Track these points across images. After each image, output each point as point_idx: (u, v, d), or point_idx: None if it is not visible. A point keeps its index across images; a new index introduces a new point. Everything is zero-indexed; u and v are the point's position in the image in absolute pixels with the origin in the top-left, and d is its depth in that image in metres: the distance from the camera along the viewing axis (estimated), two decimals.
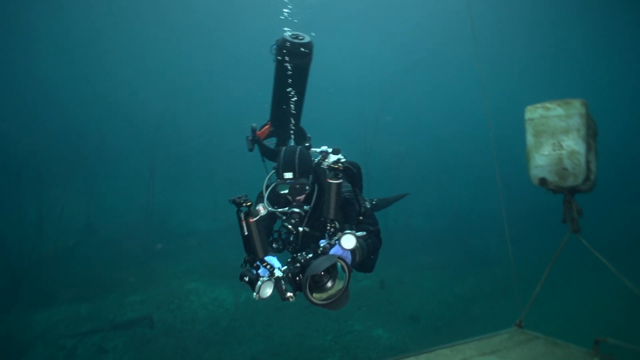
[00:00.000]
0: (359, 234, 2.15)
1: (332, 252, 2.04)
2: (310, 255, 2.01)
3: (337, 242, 2.05)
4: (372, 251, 2.29)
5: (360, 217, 2.31)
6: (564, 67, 25.58)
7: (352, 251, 2.07)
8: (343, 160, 2.69)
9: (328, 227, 2.19)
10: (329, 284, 1.96)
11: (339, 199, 2.20)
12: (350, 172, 2.65)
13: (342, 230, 2.12)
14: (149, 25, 24.68)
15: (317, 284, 1.95)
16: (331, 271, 1.97)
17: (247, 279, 1.93)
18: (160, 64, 24.87)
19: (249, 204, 1.85)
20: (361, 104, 16.74)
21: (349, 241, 2.01)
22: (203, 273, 9.54)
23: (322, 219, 2.26)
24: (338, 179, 2.17)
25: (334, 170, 2.20)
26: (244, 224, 1.88)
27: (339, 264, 1.94)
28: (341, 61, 26.49)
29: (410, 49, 27.61)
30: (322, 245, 2.07)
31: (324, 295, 1.96)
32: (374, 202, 3.15)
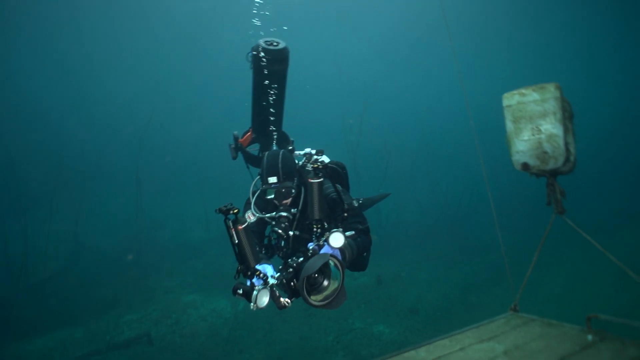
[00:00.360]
0: (347, 233, 2.15)
1: (322, 252, 2.04)
2: (302, 259, 2.00)
3: (325, 242, 2.04)
4: (362, 250, 2.29)
5: (345, 214, 2.30)
6: (545, 55, 26.11)
7: (342, 250, 2.07)
8: (326, 160, 2.69)
9: (315, 229, 2.18)
10: (325, 284, 1.96)
11: (322, 198, 2.18)
12: (333, 171, 2.65)
13: (329, 230, 2.12)
14: (130, 36, 24.30)
15: (313, 286, 1.95)
16: (325, 271, 1.96)
17: (241, 291, 1.90)
18: (140, 77, 24.52)
19: (235, 211, 1.83)
20: (345, 102, 16.80)
21: (337, 239, 2.00)
22: (199, 285, 9.43)
23: (308, 222, 2.25)
24: (319, 178, 2.16)
25: (313, 169, 2.19)
26: (233, 232, 1.86)
27: (331, 262, 1.94)
28: (322, 60, 26.52)
29: (391, 44, 27.83)
30: (311, 247, 2.07)
31: (321, 296, 1.95)
32: (360, 202, 3.16)
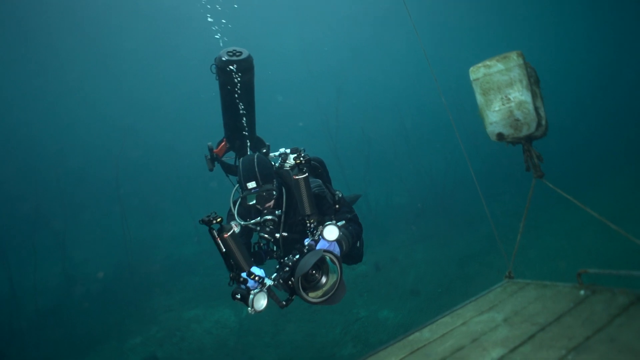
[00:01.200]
0: (339, 223, 2.16)
1: (318, 247, 2.03)
2: (297, 257, 2.00)
3: (320, 236, 2.04)
4: (356, 237, 2.31)
5: (337, 206, 2.30)
6: (510, 22, 26.45)
7: (339, 242, 2.08)
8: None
9: (308, 224, 2.17)
10: (323, 280, 1.95)
11: (310, 193, 2.17)
12: (314, 166, 2.65)
13: (322, 224, 2.11)
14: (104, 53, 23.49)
15: (311, 282, 1.94)
16: (321, 267, 1.96)
17: (239, 296, 1.90)
18: (112, 98, 23.79)
19: (219, 220, 1.81)
20: (317, 95, 16.75)
21: (331, 232, 2.01)
22: (199, 299, 9.33)
23: (300, 218, 2.24)
24: (303, 173, 2.13)
25: (297, 165, 2.16)
26: (220, 241, 1.84)
27: (327, 257, 1.93)
28: (289, 58, 26.32)
29: (352, 28, 27.77)
30: (307, 243, 2.06)
31: (321, 292, 1.95)
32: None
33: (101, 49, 23.15)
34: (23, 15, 19.38)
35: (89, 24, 21.87)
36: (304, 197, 2.14)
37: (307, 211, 2.15)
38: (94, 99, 23.05)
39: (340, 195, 2.38)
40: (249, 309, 1.83)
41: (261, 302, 1.84)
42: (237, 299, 1.90)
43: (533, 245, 8.07)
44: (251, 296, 1.83)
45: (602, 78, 20.94)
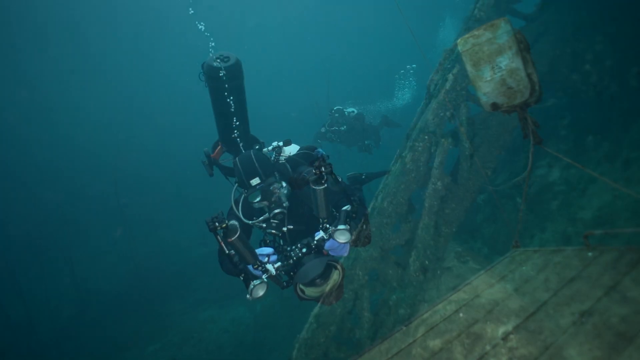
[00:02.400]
0: (344, 208, 2.17)
1: (327, 245, 2.06)
2: (305, 250, 2.01)
3: (331, 236, 2.05)
4: (361, 219, 2.31)
5: (354, 215, 2.25)
6: None
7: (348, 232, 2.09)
8: (294, 149, 2.68)
9: (321, 222, 2.13)
10: (320, 280, 2.00)
11: (327, 202, 2.10)
12: (306, 157, 2.64)
13: (334, 220, 2.12)
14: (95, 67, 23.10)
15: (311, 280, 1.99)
16: (324, 271, 2.00)
17: (242, 277, 1.97)
18: (101, 110, 23.50)
19: (224, 226, 1.80)
20: (309, 86, 16.56)
21: (343, 235, 2.01)
22: (212, 299, 9.42)
23: (311, 213, 2.25)
24: (322, 184, 2.04)
25: (317, 176, 2.04)
26: (224, 246, 1.85)
27: (332, 265, 1.98)
28: (275, 52, 25.95)
29: (337, 14, 27.31)
30: (317, 237, 2.06)
31: (318, 291, 2.01)
32: (363, 177, 3.15)
33: (90, 56, 22.78)
34: (11, 22, 19.01)
35: (78, 30, 21.47)
36: (320, 205, 2.08)
37: (322, 215, 2.10)
38: (88, 114, 22.81)
39: (340, 179, 2.38)
40: (247, 295, 1.92)
41: (259, 292, 1.93)
42: (240, 278, 1.98)
43: (536, 210, 8.07)
44: (251, 286, 1.91)
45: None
